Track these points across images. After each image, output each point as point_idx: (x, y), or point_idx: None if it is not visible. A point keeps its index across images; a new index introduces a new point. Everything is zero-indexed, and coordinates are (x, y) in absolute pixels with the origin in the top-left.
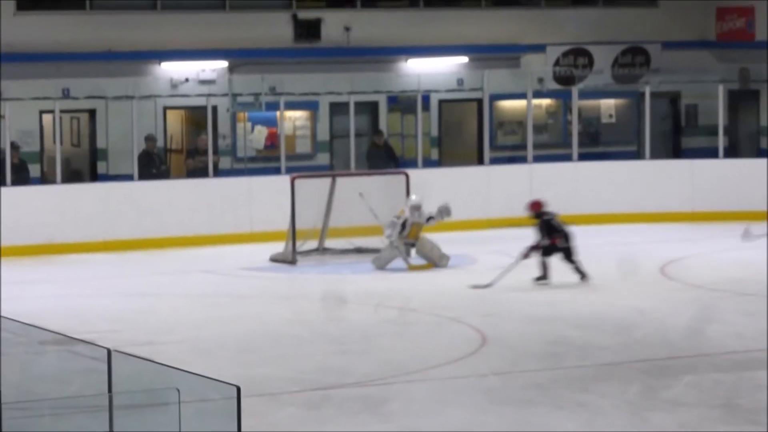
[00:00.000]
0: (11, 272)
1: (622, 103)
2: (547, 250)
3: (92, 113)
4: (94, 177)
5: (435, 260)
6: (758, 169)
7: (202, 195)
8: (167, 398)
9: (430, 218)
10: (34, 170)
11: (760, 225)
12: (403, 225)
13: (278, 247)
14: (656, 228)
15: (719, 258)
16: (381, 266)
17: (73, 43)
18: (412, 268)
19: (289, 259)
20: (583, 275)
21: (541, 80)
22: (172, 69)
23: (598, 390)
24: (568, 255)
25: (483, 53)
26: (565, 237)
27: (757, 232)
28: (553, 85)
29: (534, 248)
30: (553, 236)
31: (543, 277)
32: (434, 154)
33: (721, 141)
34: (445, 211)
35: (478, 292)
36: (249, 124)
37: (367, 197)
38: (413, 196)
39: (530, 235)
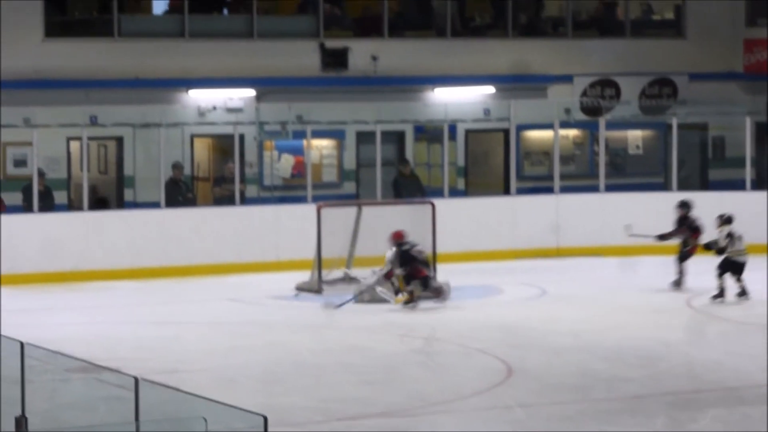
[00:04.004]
0: (37, 299)
1: (649, 135)
2: (409, 278)
3: (119, 140)
4: (121, 204)
5: (444, 291)
6: None
7: (228, 223)
8: (194, 427)
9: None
10: (61, 197)
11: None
12: (390, 277)
13: (304, 275)
14: (706, 260)
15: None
16: (363, 300)
17: (101, 70)
18: (399, 300)
19: (315, 288)
20: (439, 293)
21: (568, 111)
22: (199, 97)
23: (624, 422)
24: (425, 283)
25: (510, 83)
26: (425, 265)
27: (638, 231)
28: (580, 116)
29: (390, 275)
30: (416, 267)
31: (410, 300)
32: (460, 184)
33: (749, 173)
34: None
35: (504, 323)
36: (276, 153)
37: (391, 227)
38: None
39: (555, 266)
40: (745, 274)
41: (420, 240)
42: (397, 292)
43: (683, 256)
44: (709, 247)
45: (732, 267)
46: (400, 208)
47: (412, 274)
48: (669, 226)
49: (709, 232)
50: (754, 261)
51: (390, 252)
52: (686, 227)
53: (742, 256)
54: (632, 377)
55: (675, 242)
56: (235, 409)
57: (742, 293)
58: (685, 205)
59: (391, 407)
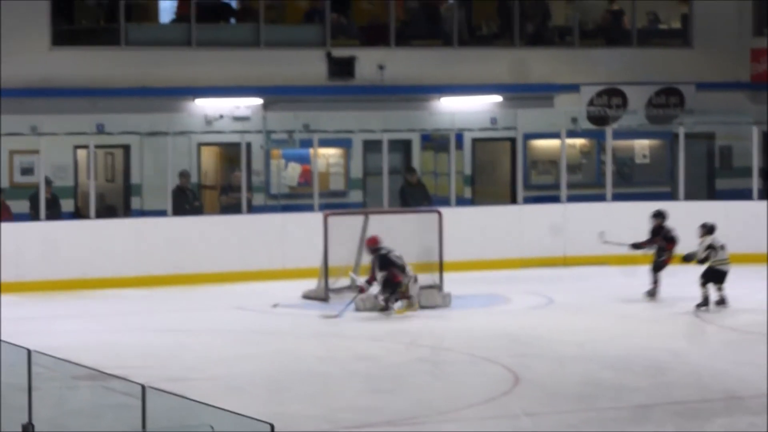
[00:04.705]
0: (44, 307)
1: (656, 144)
2: (388, 286)
3: (126, 149)
4: (128, 212)
5: (440, 304)
6: None
7: (235, 231)
8: None
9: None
10: (68, 205)
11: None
12: (371, 282)
13: (311, 284)
14: (690, 269)
15: (753, 300)
16: (365, 308)
17: (108, 79)
18: (399, 312)
19: (321, 296)
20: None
21: (574, 120)
22: (206, 105)
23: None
24: (396, 288)
25: (517, 92)
26: (402, 271)
27: (611, 238)
28: (587, 125)
29: (371, 280)
30: (393, 272)
31: (385, 308)
32: (467, 193)
33: (755, 182)
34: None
35: (510, 331)
36: (283, 161)
37: (398, 236)
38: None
39: (561, 275)
40: (750, 284)
41: (427, 249)
42: (396, 300)
43: (657, 266)
44: (687, 259)
45: (715, 276)
46: (407, 216)
47: (389, 278)
48: (679, 235)
49: (689, 241)
50: (761, 269)
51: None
52: (661, 237)
53: (724, 265)
54: (639, 386)
55: (650, 251)
56: (242, 417)
57: (721, 302)
58: (659, 215)
59: (397, 415)
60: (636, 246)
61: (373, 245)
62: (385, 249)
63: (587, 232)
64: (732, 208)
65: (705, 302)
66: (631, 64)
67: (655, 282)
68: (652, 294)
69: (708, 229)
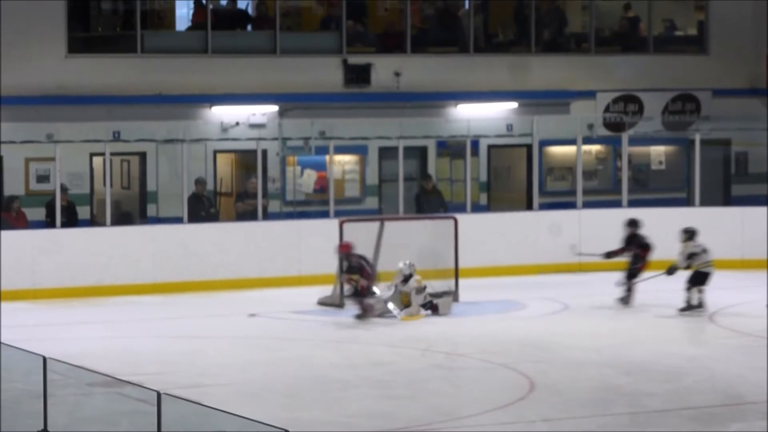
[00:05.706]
0: (60, 313)
1: (672, 150)
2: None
3: (142, 156)
4: (144, 219)
5: (447, 312)
6: None
7: (251, 238)
8: None
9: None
10: (84, 212)
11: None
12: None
13: (326, 290)
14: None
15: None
16: (372, 314)
17: (124, 86)
18: (405, 318)
19: (336, 302)
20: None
21: (590, 126)
22: (222, 113)
23: None
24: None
25: (533, 99)
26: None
27: (585, 250)
28: (603, 132)
29: (358, 280)
30: (369, 278)
31: (363, 315)
32: (483, 199)
33: None
34: (407, 267)
35: (526, 337)
36: (298, 168)
37: (413, 242)
38: (402, 264)
39: (577, 281)
40: (766, 290)
41: (442, 255)
42: (404, 307)
43: (632, 273)
44: (671, 272)
45: (699, 278)
46: (423, 223)
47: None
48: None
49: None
50: None
51: (405, 265)
52: (635, 245)
53: (708, 268)
54: (655, 392)
55: (624, 259)
56: (257, 423)
57: (700, 305)
58: (633, 224)
59: (413, 422)
60: (609, 255)
61: (347, 250)
62: (358, 255)
63: (603, 239)
64: (748, 214)
65: (689, 306)
66: (647, 71)
67: (629, 290)
68: (625, 301)
69: (690, 235)
